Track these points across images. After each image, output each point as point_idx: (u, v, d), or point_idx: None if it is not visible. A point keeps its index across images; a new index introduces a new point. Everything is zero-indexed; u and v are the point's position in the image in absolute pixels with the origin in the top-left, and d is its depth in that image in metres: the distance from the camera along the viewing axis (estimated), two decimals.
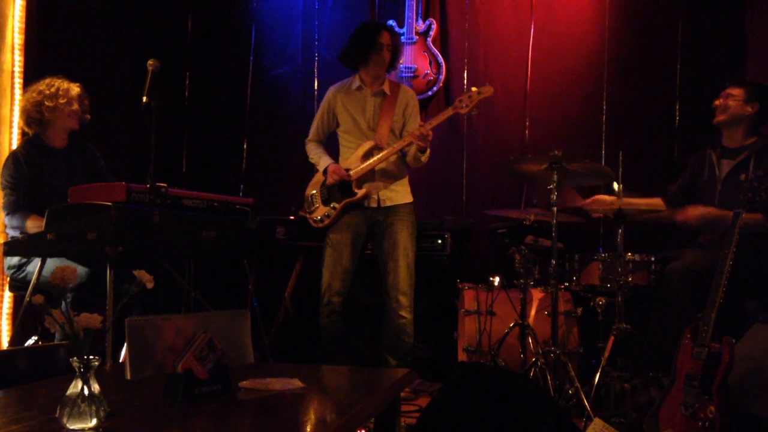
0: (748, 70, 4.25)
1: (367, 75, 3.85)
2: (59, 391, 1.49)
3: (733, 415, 2.62)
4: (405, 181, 3.87)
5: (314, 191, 3.87)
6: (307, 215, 3.88)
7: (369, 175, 3.76)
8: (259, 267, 4.12)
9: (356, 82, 3.87)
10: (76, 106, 3.48)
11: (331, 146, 3.98)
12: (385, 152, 3.72)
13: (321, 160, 3.87)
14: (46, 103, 3.40)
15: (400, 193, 3.83)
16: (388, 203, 3.79)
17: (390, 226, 3.77)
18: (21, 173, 3.40)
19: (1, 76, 3.97)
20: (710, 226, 3.46)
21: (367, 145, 3.78)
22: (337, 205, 3.77)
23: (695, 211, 3.42)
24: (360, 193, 3.74)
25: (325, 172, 3.81)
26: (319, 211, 3.82)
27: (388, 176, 3.80)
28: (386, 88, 3.85)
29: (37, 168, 3.44)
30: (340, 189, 3.78)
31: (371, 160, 3.73)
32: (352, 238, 3.79)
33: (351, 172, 3.75)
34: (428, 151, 3.73)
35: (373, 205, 3.78)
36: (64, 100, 3.43)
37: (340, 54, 3.92)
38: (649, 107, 4.64)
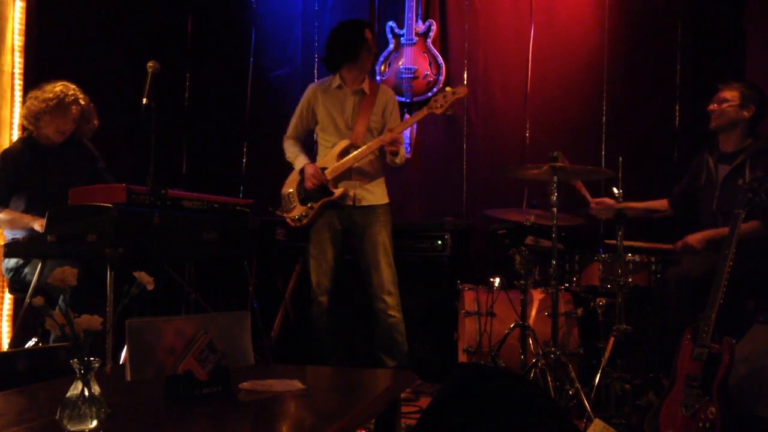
0: (747, 71, 4.23)
1: (349, 73, 3.84)
2: (59, 392, 1.49)
3: (734, 416, 2.62)
4: (381, 182, 3.89)
5: (291, 190, 3.88)
6: (285, 214, 3.89)
7: (345, 174, 3.78)
8: (259, 268, 4.12)
9: (336, 81, 3.87)
10: (69, 127, 3.53)
11: (309, 145, 4.00)
12: (359, 150, 3.73)
13: (297, 159, 3.89)
14: (44, 117, 3.45)
15: (376, 194, 3.84)
16: (365, 203, 3.81)
17: (368, 227, 3.79)
18: (5, 170, 3.44)
19: (2, 78, 3.97)
20: (714, 245, 3.43)
21: (343, 144, 3.79)
22: (314, 205, 3.78)
23: (693, 238, 3.40)
24: (337, 192, 3.76)
25: (301, 172, 3.82)
26: (297, 211, 3.83)
27: (364, 175, 3.82)
28: (366, 87, 3.85)
29: (29, 165, 3.47)
30: (317, 188, 3.79)
31: (346, 159, 3.75)
32: (331, 236, 3.82)
33: (327, 171, 3.77)
34: (401, 153, 3.77)
35: (350, 203, 3.80)
36: (61, 120, 3.48)
37: (325, 57, 3.92)
38: (648, 108, 4.63)
